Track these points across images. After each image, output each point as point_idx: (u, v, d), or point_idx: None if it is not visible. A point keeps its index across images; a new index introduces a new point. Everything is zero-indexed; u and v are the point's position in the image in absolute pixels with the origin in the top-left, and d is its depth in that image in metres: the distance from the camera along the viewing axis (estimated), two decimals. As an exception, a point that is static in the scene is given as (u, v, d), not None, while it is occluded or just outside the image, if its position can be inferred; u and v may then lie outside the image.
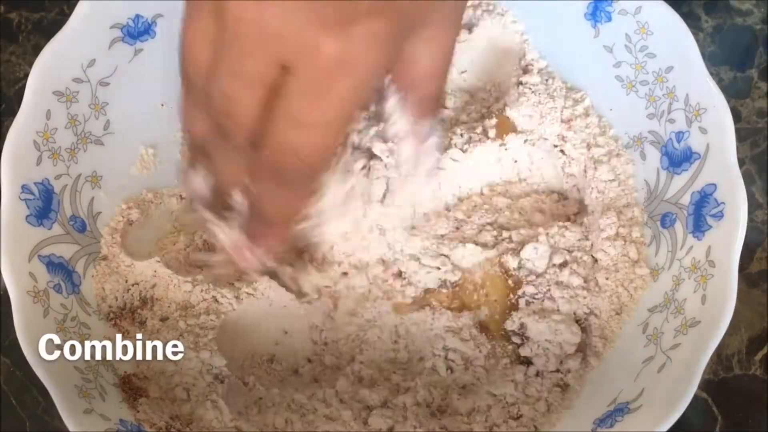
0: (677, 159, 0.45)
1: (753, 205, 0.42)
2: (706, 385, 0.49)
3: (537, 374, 0.44)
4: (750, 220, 0.42)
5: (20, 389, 0.49)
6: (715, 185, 0.43)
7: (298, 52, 0.32)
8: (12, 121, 0.42)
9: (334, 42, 0.32)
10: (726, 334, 0.40)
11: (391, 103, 0.40)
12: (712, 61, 0.43)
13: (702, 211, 0.43)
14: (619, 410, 0.41)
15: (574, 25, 0.47)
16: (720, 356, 0.50)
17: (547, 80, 0.48)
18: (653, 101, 0.46)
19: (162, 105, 0.48)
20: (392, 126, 0.41)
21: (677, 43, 0.44)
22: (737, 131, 0.43)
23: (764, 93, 0.54)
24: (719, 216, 0.42)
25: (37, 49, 0.44)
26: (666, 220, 0.45)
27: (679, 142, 0.45)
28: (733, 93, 0.43)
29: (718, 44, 0.55)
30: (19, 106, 0.43)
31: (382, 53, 0.33)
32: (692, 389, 0.39)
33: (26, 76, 0.43)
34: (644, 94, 0.46)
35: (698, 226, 0.43)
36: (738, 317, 0.46)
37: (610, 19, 0.46)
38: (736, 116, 0.43)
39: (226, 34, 0.33)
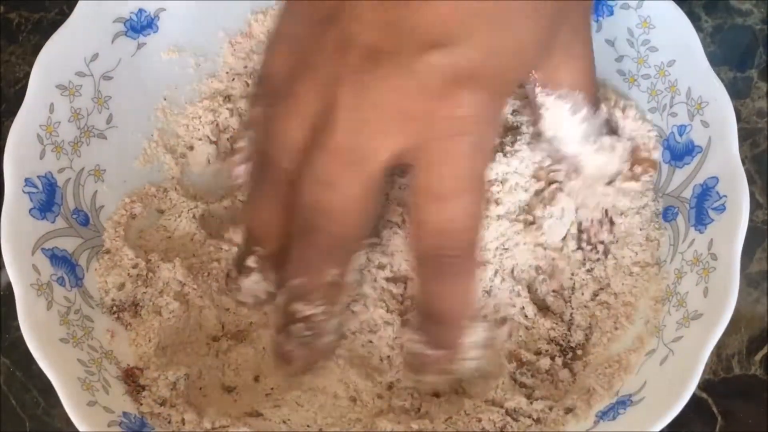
0: (679, 152, 0.45)
1: (753, 205, 0.42)
2: (706, 385, 0.49)
3: (523, 365, 0.44)
4: (750, 220, 0.41)
5: (20, 389, 0.49)
6: (717, 178, 0.43)
7: (413, 124, 0.34)
8: (12, 121, 0.42)
9: (444, 109, 0.34)
10: (726, 334, 0.40)
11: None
12: (712, 61, 0.44)
13: (704, 205, 0.43)
14: (622, 403, 0.41)
15: (576, 20, 0.47)
16: (720, 356, 0.50)
17: None
18: (655, 95, 0.46)
19: (164, 99, 0.48)
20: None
21: (679, 37, 0.44)
22: (737, 131, 0.43)
23: (764, 93, 0.54)
24: (721, 209, 0.42)
25: (37, 49, 0.44)
26: (668, 214, 0.45)
27: (681, 135, 0.45)
28: (733, 93, 0.43)
29: (718, 44, 0.55)
30: (19, 106, 0.43)
31: (492, 106, 0.35)
32: (695, 382, 0.39)
33: (26, 76, 0.43)
34: (646, 88, 0.46)
35: (700, 219, 0.43)
36: (738, 317, 0.46)
37: (612, 14, 0.46)
38: (736, 116, 0.43)
39: (337, 108, 0.34)
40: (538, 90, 0.42)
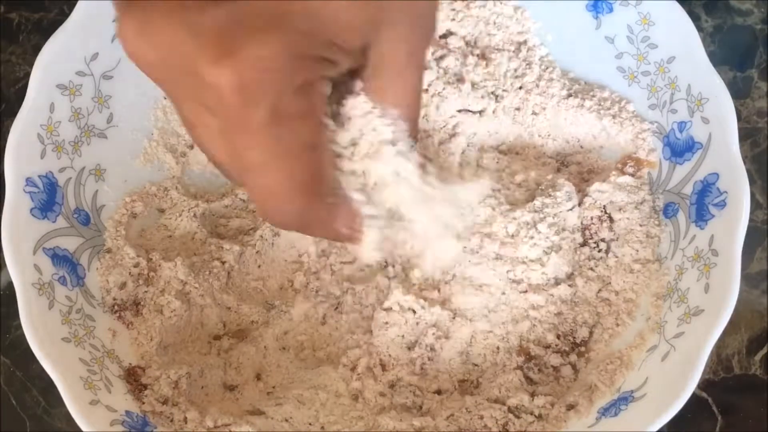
0: (679, 149, 0.45)
1: (753, 205, 0.42)
2: (706, 385, 0.49)
3: (540, 365, 0.44)
4: (750, 220, 0.42)
5: (20, 389, 0.49)
6: (717, 174, 0.43)
7: (197, 88, 0.29)
8: (12, 121, 0.42)
9: (225, 72, 0.28)
10: (726, 334, 0.40)
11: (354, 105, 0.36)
12: (712, 61, 0.44)
13: (704, 201, 0.43)
14: (624, 399, 0.41)
15: (575, 17, 0.48)
16: (720, 356, 0.50)
17: (546, 68, 0.49)
18: (655, 92, 0.46)
19: (165, 98, 0.48)
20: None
21: (679, 34, 0.45)
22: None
23: (764, 93, 0.55)
24: (721, 205, 0.42)
25: (37, 49, 0.44)
26: (669, 210, 0.45)
27: (681, 132, 0.45)
28: (733, 93, 0.43)
29: (718, 44, 0.55)
30: (19, 106, 0.43)
31: (290, 71, 0.29)
32: (696, 378, 0.39)
33: (26, 75, 0.43)
34: (646, 84, 0.46)
35: (701, 216, 0.43)
36: (738, 317, 0.46)
37: (611, 11, 0.46)
38: (736, 116, 0.43)
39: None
40: (361, 100, 0.36)
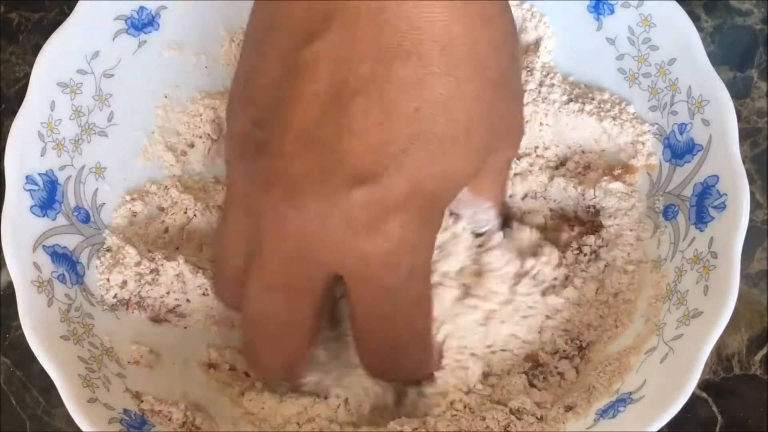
0: (680, 151, 0.45)
1: (753, 205, 0.42)
2: (706, 385, 0.49)
3: (545, 373, 0.44)
4: (750, 220, 0.41)
5: (20, 389, 0.49)
6: (717, 176, 0.43)
7: (342, 257, 0.33)
8: (12, 121, 0.42)
9: (372, 243, 0.32)
10: (726, 334, 0.40)
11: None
12: (712, 61, 0.44)
13: (704, 203, 0.43)
14: (622, 401, 0.41)
15: (576, 18, 0.47)
16: (720, 356, 0.50)
17: (547, 74, 0.48)
18: (656, 93, 0.46)
19: (165, 96, 0.48)
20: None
21: (680, 36, 0.44)
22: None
23: (764, 93, 0.55)
24: (721, 207, 0.42)
25: (37, 49, 0.44)
26: (668, 212, 0.45)
27: (681, 134, 0.45)
28: (733, 93, 0.43)
29: (718, 44, 0.56)
30: (19, 106, 0.43)
31: (423, 234, 0.34)
32: (694, 380, 0.39)
33: (26, 76, 0.43)
34: (647, 86, 0.46)
35: (700, 218, 0.43)
36: (738, 317, 0.46)
37: (612, 12, 0.46)
38: (736, 116, 0.43)
39: (263, 242, 0.34)
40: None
